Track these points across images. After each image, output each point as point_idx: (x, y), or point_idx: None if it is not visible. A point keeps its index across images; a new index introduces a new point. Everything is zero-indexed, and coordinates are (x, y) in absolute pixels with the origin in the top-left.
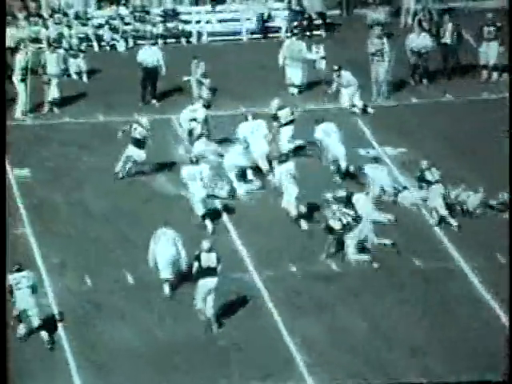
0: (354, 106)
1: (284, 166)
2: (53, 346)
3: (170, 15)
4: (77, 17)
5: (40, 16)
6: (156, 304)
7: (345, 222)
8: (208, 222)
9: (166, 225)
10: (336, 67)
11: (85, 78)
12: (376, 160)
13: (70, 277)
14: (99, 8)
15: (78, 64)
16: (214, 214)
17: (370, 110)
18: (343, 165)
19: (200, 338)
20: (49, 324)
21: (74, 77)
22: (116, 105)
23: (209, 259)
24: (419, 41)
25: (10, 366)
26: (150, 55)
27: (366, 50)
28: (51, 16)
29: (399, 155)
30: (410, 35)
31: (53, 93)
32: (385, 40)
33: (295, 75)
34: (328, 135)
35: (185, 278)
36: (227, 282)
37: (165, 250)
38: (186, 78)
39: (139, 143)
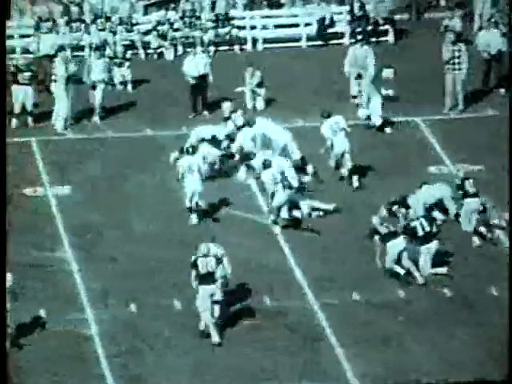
0: (369, 119)
1: (269, 170)
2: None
3: (223, 20)
4: (121, 22)
5: (82, 21)
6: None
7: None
8: (193, 216)
9: (213, 241)
10: (355, 74)
11: (130, 88)
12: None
13: (113, 303)
14: (146, 13)
15: (122, 73)
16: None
17: (387, 129)
18: (348, 164)
19: (253, 369)
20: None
21: (119, 87)
22: (164, 117)
23: (206, 264)
24: (490, 38)
25: None
26: (196, 64)
27: (437, 57)
28: (94, 22)
29: (475, 173)
30: (480, 32)
31: (98, 100)
32: (462, 47)
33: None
34: (334, 133)
35: (230, 297)
36: (282, 310)
37: None
38: (239, 89)
39: (215, 142)
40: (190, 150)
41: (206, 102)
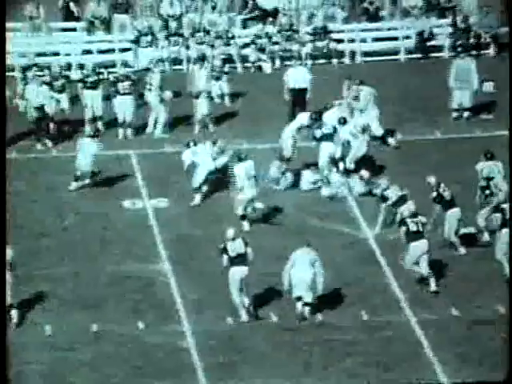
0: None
1: (243, 164)
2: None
3: (321, 33)
4: (220, 36)
5: (181, 35)
6: (301, 347)
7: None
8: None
9: (309, 245)
10: (357, 81)
11: (228, 101)
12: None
13: (209, 315)
14: (244, 27)
15: (220, 86)
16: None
17: (391, 140)
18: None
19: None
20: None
21: (217, 100)
22: (261, 130)
23: (236, 247)
24: None
25: None
26: (298, 76)
27: None
28: (193, 35)
29: None
30: None
31: (202, 110)
32: None
33: (462, 98)
34: (356, 137)
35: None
36: (379, 324)
37: (303, 271)
38: (337, 102)
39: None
40: (192, 143)
41: None
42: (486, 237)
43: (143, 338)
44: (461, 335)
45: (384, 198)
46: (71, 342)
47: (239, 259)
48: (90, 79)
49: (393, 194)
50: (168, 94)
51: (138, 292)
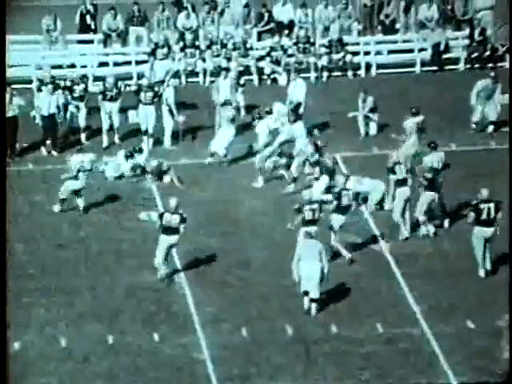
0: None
1: (83, 155)
2: None
3: (336, 46)
4: (236, 48)
5: (197, 48)
6: (316, 359)
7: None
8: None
9: (312, 237)
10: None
11: (243, 113)
12: None
13: (224, 328)
14: (259, 39)
15: (236, 98)
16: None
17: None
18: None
19: None
20: None
21: (233, 112)
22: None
23: (171, 220)
24: None
25: None
26: (296, 89)
27: None
28: (209, 48)
29: None
30: None
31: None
32: None
33: (489, 112)
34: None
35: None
36: (394, 337)
37: (311, 264)
38: (351, 114)
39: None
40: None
41: None
42: (426, 230)
43: (159, 350)
44: (477, 347)
45: (393, 172)
46: (87, 354)
47: (169, 230)
48: (111, 93)
49: (400, 171)
50: (181, 118)
51: (153, 304)
